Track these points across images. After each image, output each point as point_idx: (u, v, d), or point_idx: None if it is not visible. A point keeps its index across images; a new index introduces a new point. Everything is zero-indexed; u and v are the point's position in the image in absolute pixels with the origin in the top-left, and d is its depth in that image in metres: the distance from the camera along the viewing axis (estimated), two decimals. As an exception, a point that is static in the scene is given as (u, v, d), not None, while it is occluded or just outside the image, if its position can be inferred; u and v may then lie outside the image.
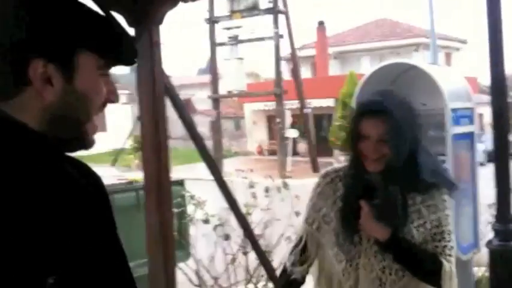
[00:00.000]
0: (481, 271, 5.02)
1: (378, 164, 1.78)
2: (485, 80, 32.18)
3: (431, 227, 1.77)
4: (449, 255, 1.77)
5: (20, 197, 0.83)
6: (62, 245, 0.86)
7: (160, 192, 2.60)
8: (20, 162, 0.87)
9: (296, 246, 2.00)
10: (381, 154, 1.76)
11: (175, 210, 4.32)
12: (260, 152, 27.90)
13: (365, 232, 1.82)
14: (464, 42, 32.24)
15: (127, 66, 1.07)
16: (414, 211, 1.79)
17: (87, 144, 0.99)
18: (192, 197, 4.27)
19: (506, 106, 3.13)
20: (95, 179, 1.04)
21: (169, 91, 2.78)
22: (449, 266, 1.75)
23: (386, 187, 1.78)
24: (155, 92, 2.61)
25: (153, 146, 2.59)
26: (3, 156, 0.85)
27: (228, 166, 19.12)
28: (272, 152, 24.57)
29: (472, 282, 3.81)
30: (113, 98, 1.00)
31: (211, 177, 4.26)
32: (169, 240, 2.65)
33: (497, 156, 3.09)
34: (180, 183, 5.20)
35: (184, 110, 2.91)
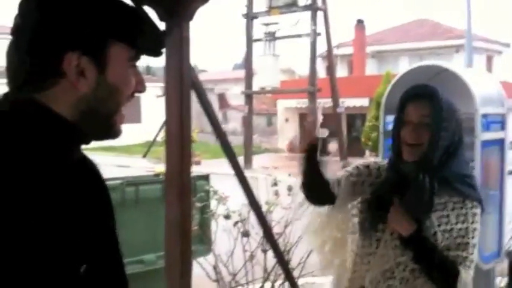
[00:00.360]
0: (504, 281, 4.88)
1: (415, 152, 1.75)
2: (528, 85, 31.23)
3: (457, 236, 1.75)
4: (469, 267, 1.75)
5: (51, 187, 0.86)
6: (86, 235, 0.90)
7: (181, 186, 2.61)
8: (48, 150, 0.89)
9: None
10: (419, 139, 1.74)
11: (198, 204, 4.35)
12: (290, 149, 27.83)
13: (390, 224, 1.80)
14: (507, 45, 31.32)
15: (155, 57, 1.09)
16: (443, 216, 1.77)
17: (115, 134, 1.01)
18: (215, 192, 4.28)
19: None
20: (96, 174, 1.05)
21: (196, 86, 2.78)
22: (465, 276, 1.72)
23: (418, 178, 1.75)
24: (182, 86, 2.62)
25: (176, 140, 2.60)
26: (32, 142, 0.87)
27: (257, 162, 19.15)
28: (303, 150, 24.34)
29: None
30: (140, 88, 1.02)
31: (248, 173, 4.27)
32: (187, 234, 2.66)
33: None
34: (205, 177, 5.23)
35: (209, 106, 2.91)
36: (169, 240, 2.64)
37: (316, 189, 2.03)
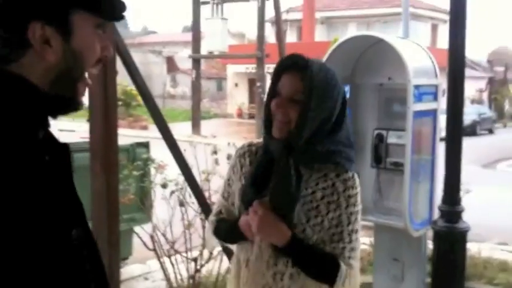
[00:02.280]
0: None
1: (282, 129, 1.57)
2: (471, 53, 32.23)
3: (330, 227, 1.62)
4: (349, 257, 1.62)
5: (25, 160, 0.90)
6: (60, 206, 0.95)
7: (107, 155, 2.54)
8: (22, 120, 0.91)
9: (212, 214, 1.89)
10: (287, 116, 1.55)
11: (135, 172, 4.28)
12: (240, 115, 27.81)
13: (259, 235, 1.64)
14: (451, 14, 32.00)
15: (118, 21, 1.09)
16: (311, 208, 1.61)
17: (78, 104, 1.01)
18: (152, 161, 4.20)
19: (462, 85, 3.08)
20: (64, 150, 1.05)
21: (121, 51, 2.68)
22: (346, 268, 1.60)
23: (286, 161, 1.58)
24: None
25: (100, 108, 2.51)
26: (6, 111, 0.90)
27: (206, 127, 19.05)
28: (252, 116, 24.48)
29: (424, 258, 3.86)
30: (106, 53, 1.02)
31: (188, 139, 4.20)
32: (114, 205, 2.61)
33: (449, 136, 3.06)
34: (145, 145, 5.14)
35: (136, 71, 2.82)
36: (96, 210, 2.58)
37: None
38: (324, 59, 3.83)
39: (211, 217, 1.88)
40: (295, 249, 1.60)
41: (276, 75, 1.61)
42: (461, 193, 3.36)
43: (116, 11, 1.02)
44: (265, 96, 1.68)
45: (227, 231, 1.81)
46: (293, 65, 1.59)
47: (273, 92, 1.61)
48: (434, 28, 30.06)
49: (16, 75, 0.92)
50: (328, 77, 1.58)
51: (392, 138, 3.89)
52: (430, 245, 3.86)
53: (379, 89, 4.00)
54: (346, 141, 1.65)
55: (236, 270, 1.78)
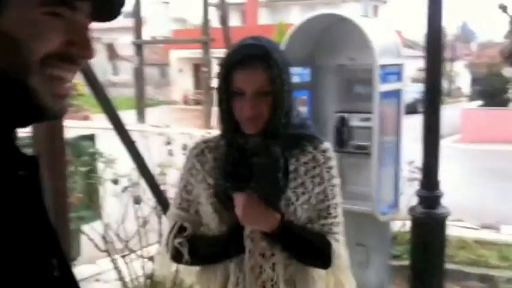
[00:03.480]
0: (396, 226, 5.07)
1: (257, 124, 1.45)
2: (410, 34, 33.02)
3: (317, 202, 1.54)
4: (337, 233, 1.57)
5: None
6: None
7: (53, 155, 2.23)
8: None
9: (171, 233, 1.60)
10: (258, 112, 1.43)
11: (82, 169, 3.94)
12: (185, 102, 27.33)
13: (248, 226, 1.49)
14: (391, -4, 32.69)
15: (108, 13, 0.78)
16: (298, 185, 1.52)
17: (42, 110, 0.71)
18: (100, 155, 3.88)
19: (440, 64, 2.96)
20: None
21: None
22: (336, 245, 1.55)
23: (269, 151, 1.46)
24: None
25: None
26: None
27: (152, 115, 18.55)
28: (198, 102, 24.10)
29: (388, 240, 3.78)
30: (79, 50, 0.72)
31: (135, 128, 3.89)
32: (64, 209, 2.32)
33: (426, 120, 2.94)
34: (90, 137, 4.77)
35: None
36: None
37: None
38: (285, 40, 3.62)
39: (175, 240, 1.58)
40: (288, 232, 1.49)
41: (229, 70, 1.43)
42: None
43: None
44: (216, 91, 1.49)
45: (214, 245, 1.55)
46: (250, 58, 1.41)
47: (227, 88, 1.44)
48: (375, 9, 30.54)
49: None
50: (285, 58, 1.48)
51: (355, 121, 3.76)
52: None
53: (340, 70, 3.85)
54: (307, 118, 1.62)
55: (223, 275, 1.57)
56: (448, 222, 5.65)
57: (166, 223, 1.65)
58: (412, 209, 3.14)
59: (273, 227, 1.45)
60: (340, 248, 1.56)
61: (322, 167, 1.55)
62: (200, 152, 1.58)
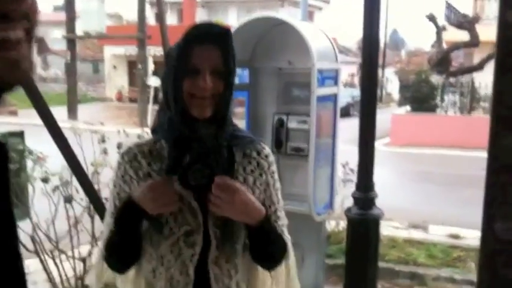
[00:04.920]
0: (330, 226, 5.19)
1: (208, 105, 1.37)
2: (343, 40, 33.93)
3: (263, 204, 1.48)
4: (287, 234, 1.55)
5: None
6: None
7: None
8: None
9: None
10: (210, 91, 1.36)
11: (10, 166, 3.75)
12: (120, 99, 26.68)
13: (236, 216, 1.39)
14: (327, 1, 33.43)
15: None
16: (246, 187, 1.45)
17: None
18: (30, 152, 3.71)
19: (376, 69, 3.06)
20: None
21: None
22: (289, 243, 1.54)
23: (219, 144, 1.38)
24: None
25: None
26: None
27: (84, 112, 17.96)
28: (132, 99, 23.59)
29: (324, 240, 3.86)
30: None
31: (67, 124, 3.73)
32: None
33: (362, 122, 3.03)
34: (19, 134, 4.54)
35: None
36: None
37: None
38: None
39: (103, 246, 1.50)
40: (269, 225, 1.44)
41: (185, 48, 1.35)
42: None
43: None
44: (166, 70, 1.41)
45: (121, 222, 1.41)
46: (208, 35, 1.36)
47: (180, 66, 1.35)
48: (310, 15, 31.12)
49: None
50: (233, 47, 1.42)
51: (292, 123, 3.81)
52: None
53: (278, 73, 3.90)
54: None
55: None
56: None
57: (103, 230, 1.55)
58: (348, 210, 3.23)
59: (260, 218, 1.40)
60: (290, 247, 1.56)
61: (267, 173, 1.52)
62: (133, 157, 1.46)
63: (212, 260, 1.43)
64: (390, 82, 32.75)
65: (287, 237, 1.55)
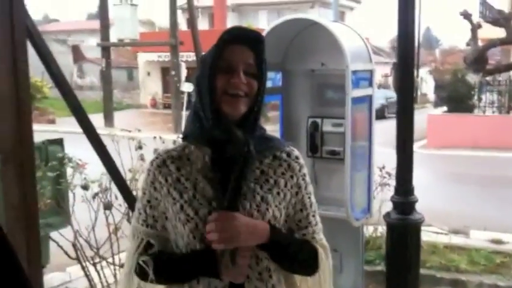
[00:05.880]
0: (368, 231, 5.11)
1: (242, 103, 1.39)
2: (376, 40, 33.56)
3: (295, 212, 1.50)
4: (321, 239, 1.53)
5: None
6: None
7: (21, 159, 2.16)
8: None
9: (136, 250, 1.48)
10: (250, 89, 1.39)
11: (50, 174, 3.84)
12: (154, 105, 27.04)
13: (242, 244, 1.37)
14: (358, 1, 33.14)
15: None
16: (282, 200, 1.45)
17: None
18: (69, 160, 3.79)
19: (412, 70, 2.99)
20: None
21: (33, 36, 2.30)
22: (322, 250, 1.51)
23: (247, 143, 1.37)
24: (14, 36, 2.13)
25: (10, 105, 2.13)
26: None
27: (120, 119, 18.27)
28: (167, 106, 23.89)
29: (362, 245, 3.80)
30: None
31: (105, 132, 3.80)
32: (34, 215, 2.24)
33: (399, 125, 2.96)
34: (59, 142, 4.66)
35: (50, 58, 2.45)
36: (11, 223, 2.20)
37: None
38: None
39: (140, 257, 1.46)
40: (277, 239, 1.41)
41: (221, 47, 1.39)
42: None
43: None
44: (200, 68, 1.43)
45: (180, 264, 1.44)
46: (243, 37, 1.41)
47: (215, 64, 1.38)
48: (342, 15, 30.90)
49: None
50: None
51: (327, 126, 3.78)
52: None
53: (311, 75, 3.87)
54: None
55: None
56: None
57: (130, 239, 1.54)
58: (387, 215, 3.15)
59: (265, 237, 1.38)
60: (326, 252, 1.53)
61: (298, 176, 1.50)
62: (162, 163, 1.46)
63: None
64: (425, 82, 32.18)
65: (320, 243, 1.52)
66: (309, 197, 1.52)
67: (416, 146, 14.75)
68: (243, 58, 1.39)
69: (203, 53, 1.48)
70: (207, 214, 1.38)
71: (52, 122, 19.24)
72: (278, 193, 1.45)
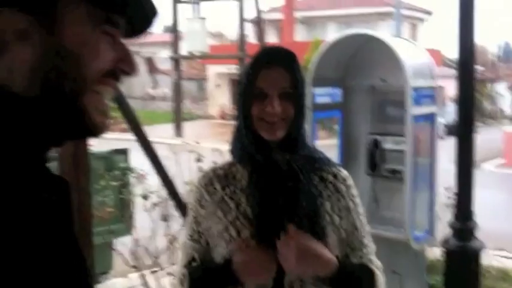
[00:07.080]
0: (433, 253, 4.89)
1: (279, 127, 1.37)
2: (449, 52, 32.45)
3: (347, 235, 1.45)
4: (376, 261, 1.49)
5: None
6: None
7: (77, 168, 2.25)
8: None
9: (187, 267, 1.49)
10: (280, 114, 1.36)
11: (113, 183, 3.99)
12: (222, 116, 27.50)
13: (302, 272, 1.35)
14: (429, 13, 32.19)
15: (143, 28, 0.79)
16: (328, 224, 1.41)
17: (91, 125, 0.72)
18: (131, 170, 3.92)
19: (472, 85, 2.85)
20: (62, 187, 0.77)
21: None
22: (378, 272, 1.46)
23: (292, 168, 1.37)
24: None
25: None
26: None
27: (189, 130, 18.71)
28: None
29: (423, 269, 3.65)
30: (125, 66, 0.74)
31: (171, 141, 3.91)
32: (87, 224, 2.33)
33: (460, 146, 2.83)
34: (123, 152, 4.84)
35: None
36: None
37: None
38: (315, 60, 3.60)
39: (181, 269, 1.49)
40: (343, 274, 1.36)
41: (253, 71, 1.38)
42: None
43: (131, 7, 0.74)
44: (237, 95, 1.44)
45: (209, 279, 1.43)
46: (275, 58, 1.39)
47: (249, 91, 1.38)
48: (413, 27, 30.13)
49: None
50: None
51: (388, 144, 3.68)
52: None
53: (372, 91, 3.79)
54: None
55: None
56: (489, 251, 5.45)
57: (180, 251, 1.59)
58: (445, 242, 3.00)
59: (331, 269, 1.34)
60: (382, 274, 1.49)
61: (346, 197, 1.46)
62: (208, 182, 1.48)
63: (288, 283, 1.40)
64: (502, 97, 30.67)
65: (375, 265, 1.48)
66: (360, 219, 1.48)
67: (492, 165, 14.04)
68: (277, 83, 1.37)
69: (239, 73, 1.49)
70: (249, 236, 1.38)
71: (124, 130, 20.02)
72: (333, 230, 1.43)
